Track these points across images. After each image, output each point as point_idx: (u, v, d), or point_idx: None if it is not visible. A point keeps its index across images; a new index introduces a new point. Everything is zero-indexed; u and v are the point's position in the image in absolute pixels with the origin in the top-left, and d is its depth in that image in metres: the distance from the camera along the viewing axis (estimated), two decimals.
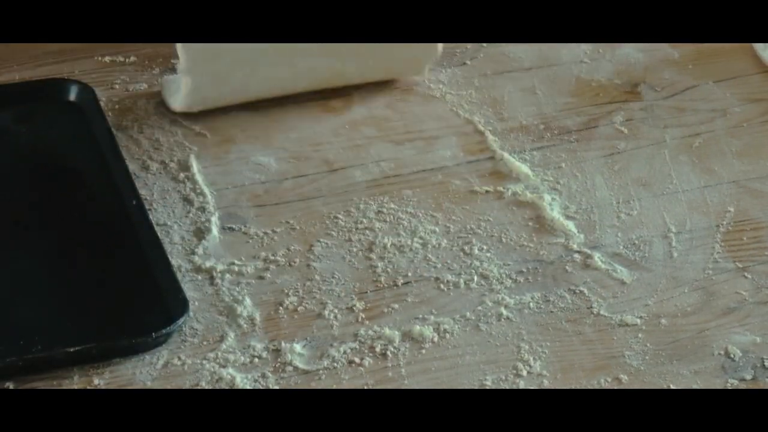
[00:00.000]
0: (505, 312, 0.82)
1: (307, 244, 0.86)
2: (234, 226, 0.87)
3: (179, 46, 0.90)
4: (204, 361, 0.77)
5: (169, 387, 0.75)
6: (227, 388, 0.75)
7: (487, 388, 0.76)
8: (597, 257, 0.86)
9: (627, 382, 0.77)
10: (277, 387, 0.76)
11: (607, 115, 0.99)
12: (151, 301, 0.79)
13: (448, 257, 0.86)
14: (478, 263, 0.85)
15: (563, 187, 0.92)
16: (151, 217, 0.85)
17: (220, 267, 0.84)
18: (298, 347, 0.78)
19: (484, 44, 1.05)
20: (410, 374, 0.77)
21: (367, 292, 0.83)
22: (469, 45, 1.05)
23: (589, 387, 0.77)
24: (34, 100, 0.94)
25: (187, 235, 0.86)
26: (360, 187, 0.91)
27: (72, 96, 0.95)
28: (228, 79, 0.93)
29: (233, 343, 0.78)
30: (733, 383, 0.78)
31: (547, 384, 0.77)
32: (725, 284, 0.85)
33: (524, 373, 0.78)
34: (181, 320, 0.78)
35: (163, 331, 0.77)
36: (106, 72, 0.99)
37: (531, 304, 0.82)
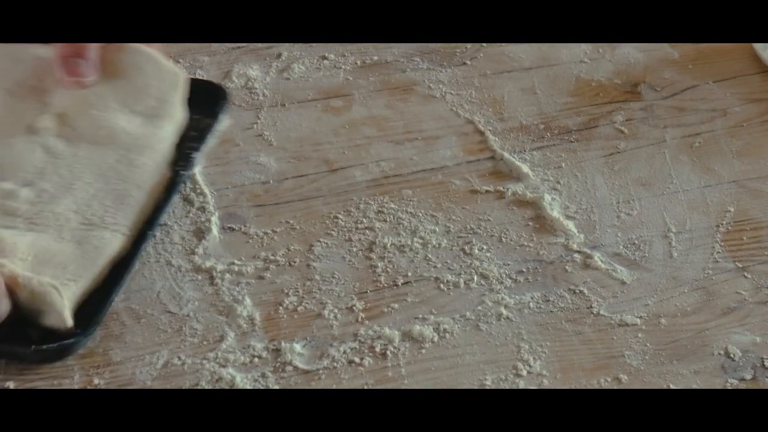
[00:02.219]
0: (505, 312, 0.82)
1: (307, 244, 0.86)
2: (234, 226, 0.87)
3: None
4: (204, 361, 0.77)
5: (169, 387, 0.75)
6: (227, 387, 0.75)
7: (487, 388, 0.76)
8: (597, 257, 0.86)
9: (627, 381, 0.77)
10: (277, 387, 0.76)
11: (607, 115, 0.99)
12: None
13: (448, 257, 0.86)
14: (478, 263, 0.85)
15: (563, 187, 0.92)
16: None
17: (220, 267, 0.84)
18: (298, 347, 0.78)
19: (484, 44, 1.05)
20: (410, 374, 0.77)
21: (367, 292, 0.83)
22: (469, 45, 1.05)
23: (589, 387, 0.77)
24: None
25: (187, 235, 0.86)
26: (360, 187, 0.91)
27: None
28: None
29: (233, 342, 0.78)
30: (732, 383, 0.78)
31: (546, 384, 0.77)
32: (725, 284, 0.85)
33: (524, 372, 0.78)
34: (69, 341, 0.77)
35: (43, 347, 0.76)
36: None
37: (531, 304, 0.82)
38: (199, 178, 0.90)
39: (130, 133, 0.87)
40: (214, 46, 1.05)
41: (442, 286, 0.83)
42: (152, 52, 0.90)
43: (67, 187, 0.84)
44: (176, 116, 0.89)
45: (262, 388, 0.76)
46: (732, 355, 0.79)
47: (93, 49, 0.88)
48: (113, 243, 0.81)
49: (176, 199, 0.88)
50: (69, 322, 0.76)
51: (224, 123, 0.91)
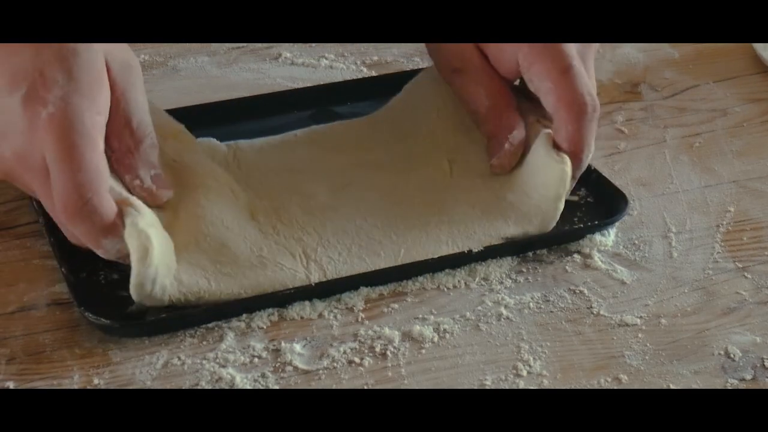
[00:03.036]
0: (505, 312, 0.82)
1: None
2: None
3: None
4: (204, 361, 0.77)
5: (168, 387, 0.75)
6: (227, 388, 0.75)
7: (487, 388, 0.76)
8: (597, 257, 0.86)
9: (627, 382, 0.77)
10: (277, 387, 0.76)
11: (607, 115, 0.99)
12: None
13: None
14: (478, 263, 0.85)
15: None
16: None
17: None
18: (298, 347, 0.78)
19: None
20: (410, 374, 0.77)
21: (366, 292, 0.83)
22: None
23: (589, 387, 0.77)
24: None
25: None
26: None
27: None
28: None
29: (233, 343, 0.78)
30: (733, 383, 0.78)
31: (547, 384, 0.77)
32: (725, 284, 0.85)
33: (524, 373, 0.77)
34: None
35: None
36: None
37: (531, 304, 0.82)
38: None
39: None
40: (214, 46, 1.05)
41: (442, 286, 0.83)
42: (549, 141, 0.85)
43: (357, 212, 0.84)
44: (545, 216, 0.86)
45: (262, 388, 0.76)
46: (732, 355, 0.79)
47: (519, 135, 0.85)
48: (283, 279, 0.80)
49: None
50: (133, 289, 0.76)
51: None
